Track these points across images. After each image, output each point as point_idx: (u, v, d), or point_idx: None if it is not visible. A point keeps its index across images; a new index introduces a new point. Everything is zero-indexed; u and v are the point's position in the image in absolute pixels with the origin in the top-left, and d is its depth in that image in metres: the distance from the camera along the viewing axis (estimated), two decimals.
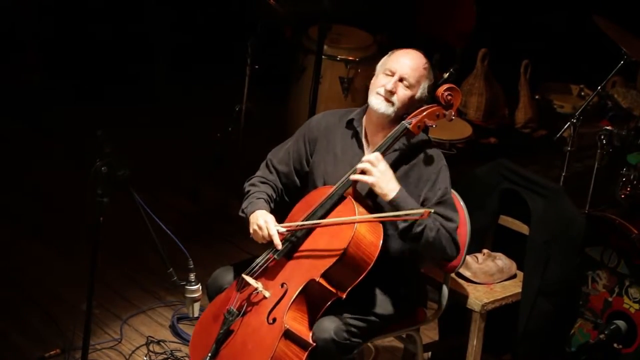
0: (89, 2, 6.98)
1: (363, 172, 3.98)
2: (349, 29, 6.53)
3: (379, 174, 3.96)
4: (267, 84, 6.70)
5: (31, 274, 5.33)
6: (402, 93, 4.06)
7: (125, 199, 3.83)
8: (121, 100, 6.89)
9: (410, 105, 4.08)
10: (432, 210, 3.92)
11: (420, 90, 4.09)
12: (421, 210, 3.91)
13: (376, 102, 4.07)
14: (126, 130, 6.46)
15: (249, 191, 4.22)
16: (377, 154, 3.99)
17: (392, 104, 4.06)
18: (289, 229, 4.04)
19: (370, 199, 4.07)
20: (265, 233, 4.02)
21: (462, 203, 4.31)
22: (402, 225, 3.97)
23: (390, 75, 4.07)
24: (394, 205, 3.95)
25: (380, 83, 4.09)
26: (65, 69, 6.96)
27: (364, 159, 4.00)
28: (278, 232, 4.01)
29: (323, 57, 5.90)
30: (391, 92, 4.05)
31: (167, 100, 7.09)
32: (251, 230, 4.08)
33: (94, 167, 3.77)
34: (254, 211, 4.11)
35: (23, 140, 6.50)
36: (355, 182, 4.03)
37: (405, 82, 4.06)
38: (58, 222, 5.73)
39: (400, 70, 4.07)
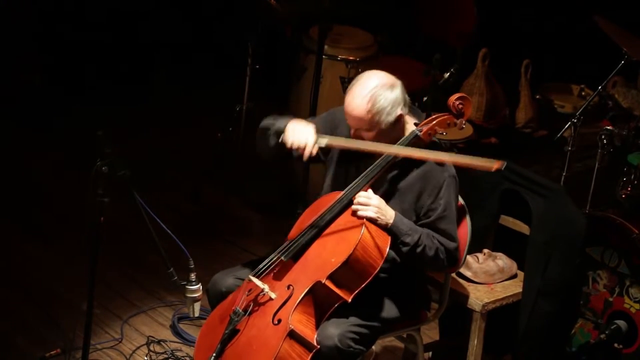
0: (89, 2, 6.98)
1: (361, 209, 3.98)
2: (349, 28, 6.53)
3: (375, 209, 3.97)
4: (268, 84, 6.70)
5: (31, 274, 5.33)
6: (367, 136, 4.04)
7: (125, 199, 3.83)
8: (121, 100, 6.89)
9: (387, 133, 4.04)
10: (504, 162, 3.89)
11: (384, 123, 4.01)
12: (493, 162, 3.89)
13: None
14: (126, 130, 6.47)
15: (268, 123, 4.16)
16: (367, 193, 3.98)
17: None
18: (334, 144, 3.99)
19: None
20: (305, 138, 3.96)
21: (463, 203, 4.30)
22: (404, 248, 4.00)
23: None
24: (392, 230, 3.99)
25: None
26: (65, 69, 6.95)
27: (356, 201, 3.98)
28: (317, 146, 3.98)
29: (324, 57, 5.90)
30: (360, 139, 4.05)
31: (168, 100, 7.09)
32: (288, 131, 4.01)
33: (94, 167, 3.77)
34: (289, 121, 4.05)
35: (23, 140, 6.50)
36: (365, 188, 4.03)
37: (360, 131, 4.03)
38: (58, 222, 5.73)
39: (351, 124, 4.04)
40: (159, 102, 7.05)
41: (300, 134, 4.00)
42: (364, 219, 3.95)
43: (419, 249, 4.00)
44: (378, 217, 3.97)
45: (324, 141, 4.00)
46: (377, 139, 4.02)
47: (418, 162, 4.08)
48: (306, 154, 3.98)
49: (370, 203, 3.97)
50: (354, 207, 3.99)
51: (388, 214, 3.99)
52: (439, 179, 4.07)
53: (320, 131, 4.11)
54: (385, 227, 3.98)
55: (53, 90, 6.86)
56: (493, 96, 6.93)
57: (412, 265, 4.12)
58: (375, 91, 3.97)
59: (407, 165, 4.09)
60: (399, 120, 4.04)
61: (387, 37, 6.63)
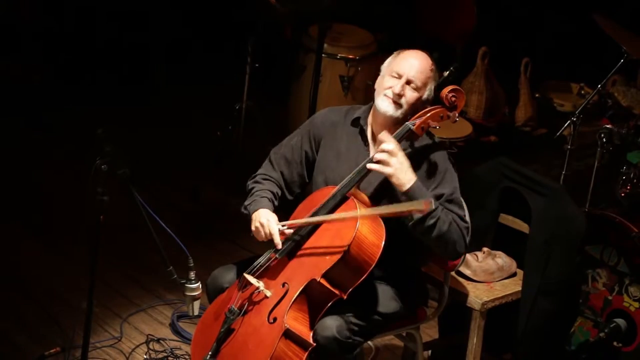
0: (89, 1, 6.98)
1: (379, 162, 3.94)
2: (349, 27, 6.53)
3: (397, 164, 3.92)
4: (268, 83, 6.70)
5: (31, 274, 5.33)
6: (410, 95, 4.05)
7: (125, 198, 3.83)
8: (121, 100, 6.89)
9: (417, 107, 4.07)
10: (432, 200, 3.89)
11: (427, 92, 4.08)
12: (421, 203, 3.87)
13: (383, 104, 4.05)
14: (126, 130, 6.47)
15: (252, 188, 4.21)
16: (396, 144, 3.94)
17: (400, 106, 4.04)
18: (290, 226, 4.03)
19: (374, 200, 4.06)
20: (267, 231, 4.02)
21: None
22: (416, 216, 3.92)
23: (397, 78, 4.05)
24: (408, 195, 3.92)
25: (387, 85, 4.06)
26: (65, 69, 6.96)
27: (382, 146, 3.94)
28: (279, 231, 4.01)
29: (323, 55, 5.91)
30: (399, 95, 4.03)
31: (167, 99, 7.09)
32: (253, 228, 4.08)
33: (94, 165, 3.77)
34: (256, 209, 4.10)
35: (23, 140, 6.50)
36: (359, 182, 4.02)
37: (412, 84, 4.04)
38: (58, 222, 5.72)
39: (408, 73, 4.05)
40: (159, 101, 7.05)
41: (262, 231, 4.04)
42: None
43: (433, 220, 3.92)
44: (394, 174, 3.92)
45: (283, 228, 4.02)
46: (413, 104, 4.04)
47: (414, 158, 4.04)
48: (275, 240, 4.01)
49: (391, 160, 3.92)
50: (375, 155, 3.94)
51: (407, 176, 3.93)
52: (442, 167, 4.07)
53: (305, 150, 4.21)
54: (400, 189, 3.92)
55: (53, 90, 6.86)
56: (492, 94, 6.94)
57: (423, 242, 4.02)
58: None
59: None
60: (424, 102, 4.08)
61: (387, 36, 6.63)
